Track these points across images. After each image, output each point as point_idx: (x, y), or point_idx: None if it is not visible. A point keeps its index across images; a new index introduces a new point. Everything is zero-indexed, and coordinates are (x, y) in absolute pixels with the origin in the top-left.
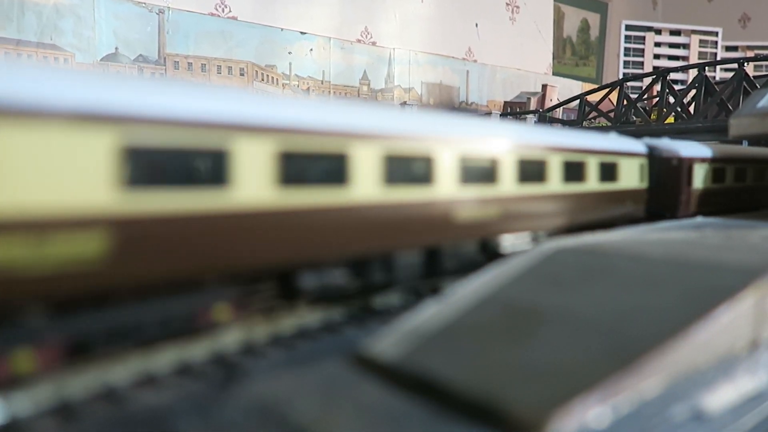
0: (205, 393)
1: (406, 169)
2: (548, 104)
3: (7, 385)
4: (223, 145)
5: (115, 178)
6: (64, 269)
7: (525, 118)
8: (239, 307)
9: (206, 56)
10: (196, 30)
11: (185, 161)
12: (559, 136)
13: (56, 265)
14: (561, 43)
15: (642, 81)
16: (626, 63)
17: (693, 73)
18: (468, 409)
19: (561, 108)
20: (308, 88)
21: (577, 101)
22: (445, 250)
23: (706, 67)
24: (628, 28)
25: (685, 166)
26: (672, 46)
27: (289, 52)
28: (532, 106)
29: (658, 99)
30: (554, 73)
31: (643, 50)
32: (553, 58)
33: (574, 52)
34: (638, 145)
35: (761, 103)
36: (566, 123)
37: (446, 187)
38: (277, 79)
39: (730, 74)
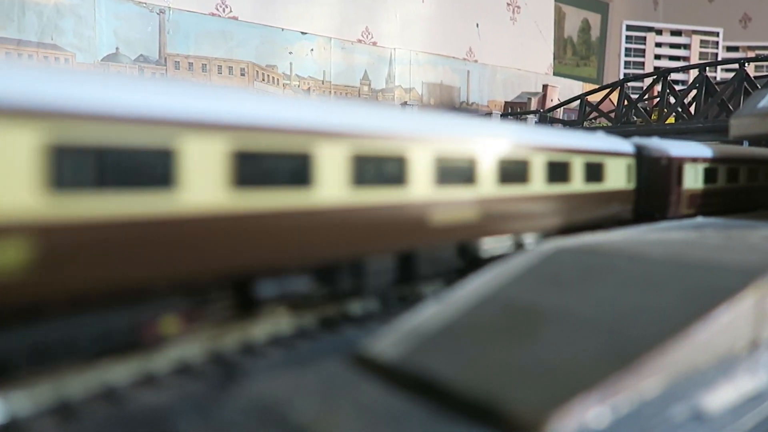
0: (205, 393)
1: (376, 169)
2: (549, 104)
3: None
4: (168, 144)
5: (41, 179)
6: None
7: (526, 119)
8: (190, 318)
9: (207, 56)
10: (197, 30)
11: (125, 161)
12: (542, 135)
13: None
14: (562, 44)
15: (643, 81)
16: (627, 63)
17: (694, 73)
18: (468, 409)
19: (562, 108)
20: (309, 89)
21: (578, 101)
22: (420, 255)
23: (707, 68)
24: (629, 28)
25: (674, 166)
26: (673, 46)
27: (290, 52)
28: (533, 106)
29: (658, 99)
30: (555, 74)
31: (644, 50)
32: (554, 59)
33: (574, 53)
34: (625, 145)
35: (762, 104)
36: (567, 123)
37: (421, 189)
38: (277, 80)
39: (730, 74)
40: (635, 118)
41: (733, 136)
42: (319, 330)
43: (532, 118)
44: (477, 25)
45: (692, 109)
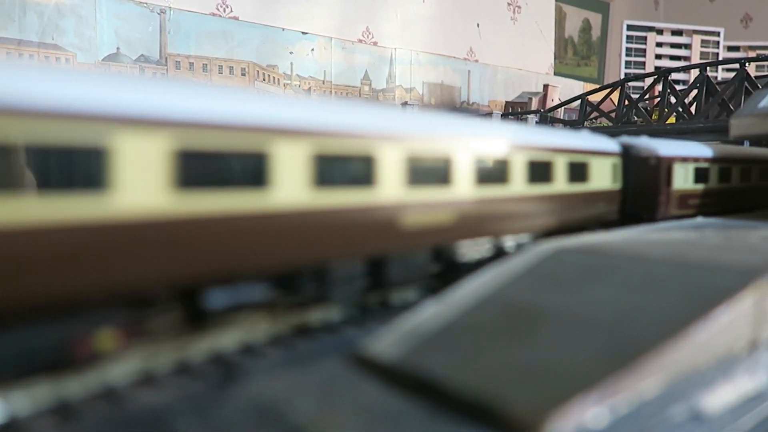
0: (204, 392)
1: (340, 169)
2: (550, 104)
3: None
4: (101, 142)
5: None
6: None
7: (526, 118)
8: (130, 333)
9: (208, 56)
10: (198, 30)
11: (47, 160)
12: (522, 133)
13: None
14: (562, 43)
15: (643, 81)
16: (628, 63)
17: (694, 73)
18: (467, 409)
19: (562, 108)
20: (309, 88)
21: (579, 101)
22: (391, 260)
23: (708, 67)
24: (630, 28)
25: (663, 165)
26: (674, 46)
27: (291, 52)
28: (534, 106)
29: (659, 99)
30: (556, 73)
31: (644, 50)
32: (555, 58)
33: (575, 52)
34: (611, 144)
35: (762, 104)
36: (567, 123)
37: (391, 190)
38: (278, 79)
39: (731, 74)
40: (636, 118)
41: (733, 136)
42: (318, 330)
43: (532, 117)
44: (478, 25)
45: (693, 109)
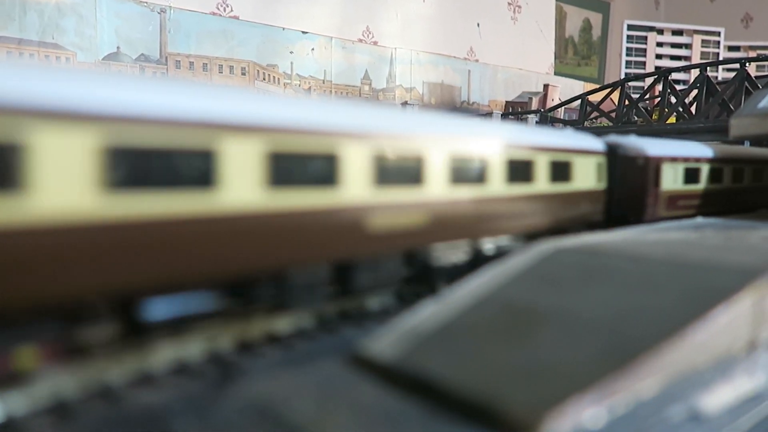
0: (202, 392)
1: (300, 169)
2: (550, 104)
3: None
4: (15, 138)
5: None
6: None
7: (526, 118)
8: (57, 349)
9: (208, 56)
10: (198, 29)
11: None
12: (501, 131)
13: None
14: (563, 43)
15: (644, 81)
16: (628, 63)
17: (695, 73)
18: (465, 409)
19: (562, 108)
20: (310, 88)
21: (579, 101)
22: (359, 265)
23: (708, 67)
24: (630, 27)
25: (651, 165)
26: (674, 46)
27: (291, 52)
28: (534, 105)
29: (659, 99)
30: (556, 73)
31: (645, 50)
32: (555, 58)
33: (576, 52)
34: (595, 143)
35: (762, 104)
36: (568, 123)
37: (356, 191)
38: (278, 79)
39: (732, 74)
40: (636, 118)
41: (733, 136)
42: (316, 330)
43: (532, 117)
44: (478, 24)
45: (693, 109)
